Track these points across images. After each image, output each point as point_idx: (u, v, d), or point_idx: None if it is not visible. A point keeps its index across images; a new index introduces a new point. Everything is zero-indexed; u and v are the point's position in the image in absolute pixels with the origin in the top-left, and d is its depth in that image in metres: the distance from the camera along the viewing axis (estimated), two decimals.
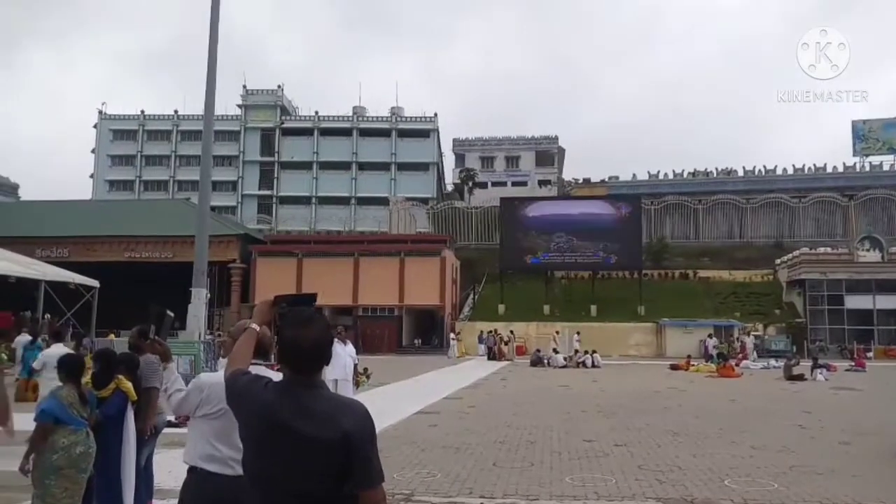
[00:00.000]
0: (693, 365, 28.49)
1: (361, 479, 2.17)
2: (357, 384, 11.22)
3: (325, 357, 2.33)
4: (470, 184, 70.05)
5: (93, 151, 74.66)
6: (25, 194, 69.89)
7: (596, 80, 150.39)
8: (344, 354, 10.71)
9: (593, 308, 43.59)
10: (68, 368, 5.45)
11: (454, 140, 78.54)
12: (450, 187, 78.00)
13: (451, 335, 38.93)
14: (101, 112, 74.68)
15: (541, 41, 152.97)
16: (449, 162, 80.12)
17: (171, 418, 5.85)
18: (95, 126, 74.57)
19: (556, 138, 76.21)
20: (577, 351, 32.01)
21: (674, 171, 68.32)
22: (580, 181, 72.31)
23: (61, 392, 5.10)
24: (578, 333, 36.24)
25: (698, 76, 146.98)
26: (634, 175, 69.46)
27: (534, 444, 10.10)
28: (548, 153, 75.57)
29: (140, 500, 5.65)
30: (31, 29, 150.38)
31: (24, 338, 18.07)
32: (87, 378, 5.58)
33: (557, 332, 36.15)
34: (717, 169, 68.00)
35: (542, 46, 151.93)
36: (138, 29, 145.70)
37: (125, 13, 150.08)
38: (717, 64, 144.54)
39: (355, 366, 11.00)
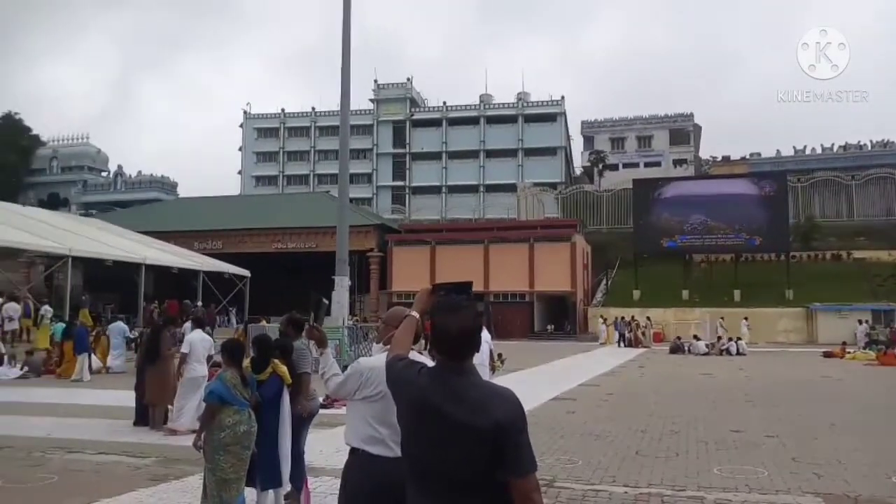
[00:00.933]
0: (849, 352, 26.45)
1: (513, 467, 2.17)
2: (493, 369, 11.32)
3: (474, 344, 2.37)
4: (600, 166, 68.46)
5: (240, 149, 79.70)
6: (183, 191, 75.74)
7: (737, 55, 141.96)
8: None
9: (736, 293, 41.41)
10: (230, 353, 5.83)
11: (582, 122, 77.00)
12: (578, 171, 76.59)
13: (601, 321, 38.06)
14: (245, 112, 79.52)
15: (677, 18, 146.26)
16: (577, 145, 78.77)
17: (322, 400, 6.14)
18: (241, 126, 79.51)
19: (692, 115, 72.85)
20: (719, 338, 30.57)
21: (822, 146, 63.30)
22: (718, 159, 68.75)
23: (226, 375, 5.48)
24: (746, 319, 34.55)
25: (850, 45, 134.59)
26: (778, 151, 65.09)
27: (677, 434, 9.78)
28: (682, 131, 72.42)
29: (298, 477, 6.02)
30: (189, 36, 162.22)
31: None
32: (246, 362, 5.99)
33: (723, 318, 34.40)
34: (871, 141, 62.35)
35: (677, 24, 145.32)
36: (280, 31, 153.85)
37: (268, 17, 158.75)
38: (874, 31, 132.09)
39: (491, 351, 11.09)
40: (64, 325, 21.23)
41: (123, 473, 7.49)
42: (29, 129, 73.57)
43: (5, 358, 18.12)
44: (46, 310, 23.30)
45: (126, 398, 11.43)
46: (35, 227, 27.46)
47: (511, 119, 71.75)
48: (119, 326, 19.61)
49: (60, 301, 26.66)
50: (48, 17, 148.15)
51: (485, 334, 11.51)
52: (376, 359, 3.43)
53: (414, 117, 74.11)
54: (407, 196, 72.99)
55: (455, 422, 2.22)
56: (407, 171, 73.61)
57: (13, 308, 22.59)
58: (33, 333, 22.62)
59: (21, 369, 17.55)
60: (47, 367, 18.05)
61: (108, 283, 33.20)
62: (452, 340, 2.34)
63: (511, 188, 66.00)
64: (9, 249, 26.78)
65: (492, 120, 72.41)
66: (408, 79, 75.78)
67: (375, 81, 75.55)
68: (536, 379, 18.14)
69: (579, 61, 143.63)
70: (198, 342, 10.07)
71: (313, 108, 77.33)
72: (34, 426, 10.09)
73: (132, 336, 20.70)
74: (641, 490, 6.70)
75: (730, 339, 29.53)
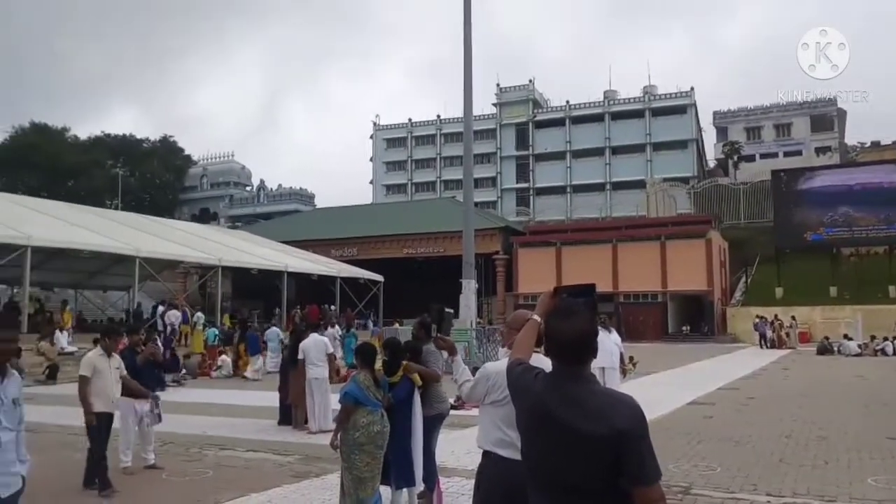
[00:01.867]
0: None
1: (636, 476, 2.13)
2: (624, 373, 11.06)
3: (589, 349, 2.33)
4: (735, 158, 65.01)
5: (371, 160, 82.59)
6: (320, 202, 79.39)
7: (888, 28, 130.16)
8: (609, 342, 10.64)
9: (892, 289, 38.02)
10: (363, 355, 6.09)
11: (714, 113, 73.46)
12: (712, 164, 73.12)
13: (757, 319, 35.39)
14: (375, 124, 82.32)
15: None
16: (709, 137, 75.20)
17: (453, 401, 6.29)
18: (371, 137, 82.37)
19: (835, 100, 67.52)
20: (873, 337, 28.20)
21: None
22: (867, 145, 63.34)
23: (359, 376, 5.73)
24: None
25: None
26: None
27: (826, 440, 9.17)
28: (825, 117, 67.36)
29: (430, 477, 6.19)
30: (326, 52, 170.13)
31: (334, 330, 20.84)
32: (378, 365, 6.24)
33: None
34: None
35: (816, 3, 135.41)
36: (408, 43, 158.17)
37: (398, 30, 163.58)
38: None
39: (621, 354, 10.85)
40: (216, 330, 22.92)
41: (270, 470, 8.01)
42: (182, 150, 79.93)
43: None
44: (199, 316, 25.22)
45: (271, 399, 12.20)
46: (189, 241, 29.84)
47: (637, 114, 69.70)
48: (274, 331, 20.91)
49: (213, 308, 28.84)
50: (199, 44, 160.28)
51: (615, 336, 11.33)
52: (502, 363, 3.40)
53: (537, 118, 73.71)
54: (531, 197, 72.69)
55: (572, 429, 2.20)
56: (530, 173, 73.32)
57: (174, 315, 24.64)
58: (190, 339, 24.59)
59: (181, 372, 19.13)
60: (202, 370, 19.55)
61: (254, 290, 35.50)
62: (567, 345, 2.32)
63: (639, 185, 64.08)
64: (169, 261, 29.27)
65: (617, 116, 70.65)
66: (530, 80, 75.56)
67: (498, 85, 75.91)
68: (671, 382, 17.53)
69: (709, 51, 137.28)
70: (311, 346, 10.57)
71: (438, 116, 78.81)
72: (191, 424, 10.97)
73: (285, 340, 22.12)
74: (786, 499, 6.36)
75: (885, 339, 27.19)
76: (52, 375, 17.52)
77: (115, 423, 7.52)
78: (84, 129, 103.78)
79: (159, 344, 15.97)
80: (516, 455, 3.08)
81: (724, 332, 39.52)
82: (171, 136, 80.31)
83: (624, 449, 2.12)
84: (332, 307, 31.52)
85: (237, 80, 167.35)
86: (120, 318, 27.22)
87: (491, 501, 3.28)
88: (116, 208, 52.52)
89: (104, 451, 7.07)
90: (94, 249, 24.43)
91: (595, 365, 8.65)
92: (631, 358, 17.39)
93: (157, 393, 8.43)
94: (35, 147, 64.91)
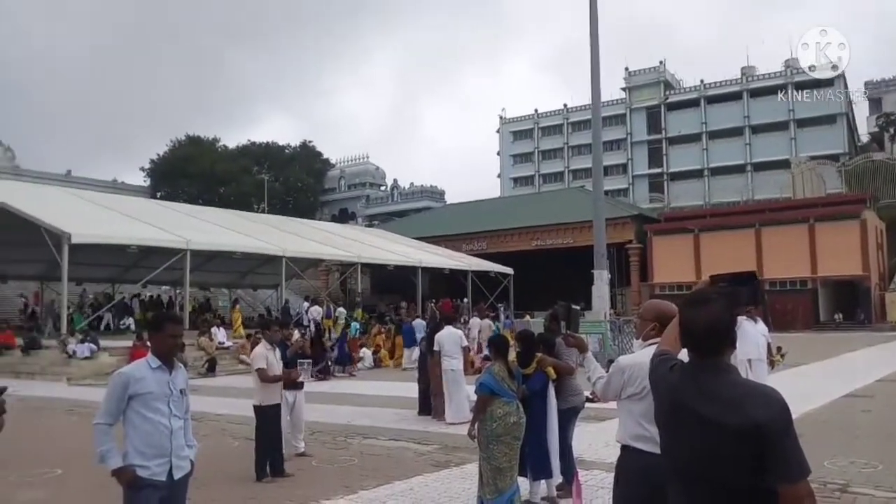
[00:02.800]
0: None
1: (779, 473, 2.04)
2: (772, 364, 10.48)
3: (724, 339, 2.24)
4: (891, 131, 59.35)
5: (497, 154, 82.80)
6: (450, 198, 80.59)
7: None
8: (755, 332, 10.12)
9: None
10: (497, 347, 6.19)
11: (866, 83, 67.43)
12: (864, 138, 67.20)
13: None
14: (501, 117, 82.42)
15: None
16: (861, 110, 69.17)
17: (588, 394, 6.27)
18: (498, 131, 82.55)
19: None
20: None
21: None
22: None
23: (494, 368, 5.83)
24: None
25: None
26: None
27: None
28: None
29: (568, 469, 6.21)
30: (456, 49, 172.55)
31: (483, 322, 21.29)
32: (512, 356, 6.31)
33: None
34: None
35: None
36: (533, 35, 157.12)
37: (523, 22, 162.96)
38: None
39: (769, 344, 10.29)
40: (358, 324, 23.98)
41: (411, 459, 8.31)
42: (321, 154, 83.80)
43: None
44: (340, 311, 26.47)
45: (410, 389, 12.62)
46: (330, 240, 31.38)
47: (778, 90, 65.23)
48: (419, 323, 21.62)
49: (353, 303, 30.17)
50: (337, 50, 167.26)
51: (761, 326, 10.76)
52: (637, 355, 3.39)
53: (669, 100, 70.86)
54: (665, 183, 70.01)
55: (708, 421, 2.13)
56: (664, 157, 70.61)
57: (316, 311, 25.99)
58: (333, 332, 25.83)
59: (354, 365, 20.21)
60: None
61: (391, 285, 36.74)
62: (700, 335, 2.24)
63: (783, 164, 60.04)
64: (312, 260, 30.94)
65: (756, 93, 66.49)
66: (660, 62, 72.74)
67: (626, 69, 73.68)
68: (824, 374, 16.42)
69: (858, 16, 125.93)
70: (446, 338, 10.77)
71: (565, 105, 77.69)
72: (337, 414, 11.58)
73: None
74: None
75: None
76: (211, 368, 19.00)
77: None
78: (232, 139, 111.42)
79: (305, 337, 17.03)
80: (655, 449, 3.00)
81: (882, 320, 36.33)
82: (310, 142, 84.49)
83: (765, 443, 2.04)
84: (465, 300, 32.03)
85: (371, 83, 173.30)
86: (265, 315, 29.10)
87: (631, 496, 3.24)
88: (263, 211, 56.04)
89: (277, 440, 7.58)
90: (245, 251, 26.25)
91: (741, 356, 8.30)
92: (779, 348, 16.40)
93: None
94: (191, 158, 70.56)
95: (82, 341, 19.14)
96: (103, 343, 19.76)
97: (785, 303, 37.11)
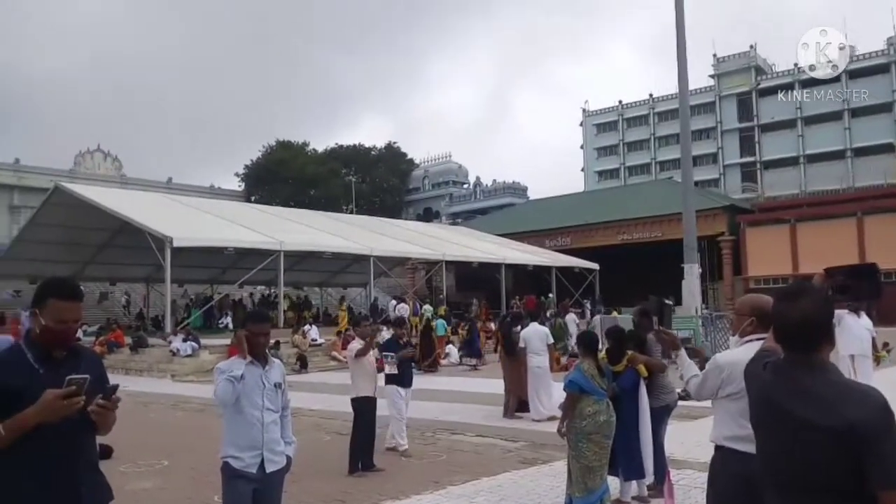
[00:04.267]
0: None
1: (879, 478, 1.92)
2: (877, 360, 9.91)
3: (819, 334, 2.13)
4: None
5: (581, 147, 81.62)
6: (532, 194, 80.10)
7: None
8: (859, 327, 9.61)
9: None
10: (586, 344, 6.12)
11: None
12: None
13: None
14: (584, 110, 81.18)
15: None
16: None
17: (680, 392, 6.12)
18: (581, 124, 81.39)
19: None
20: None
21: None
22: None
23: (583, 365, 5.77)
24: None
25: None
26: None
27: None
28: None
29: (660, 469, 6.07)
30: (542, 42, 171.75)
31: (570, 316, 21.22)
32: (602, 354, 6.23)
33: None
34: None
35: None
36: (619, 23, 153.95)
37: (601, 16, 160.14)
38: None
39: (873, 339, 9.74)
40: (444, 321, 24.20)
41: (498, 455, 8.35)
42: (405, 155, 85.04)
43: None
44: (427, 309, 26.77)
45: (496, 386, 12.64)
46: (416, 238, 31.82)
47: (881, 69, 61.28)
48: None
49: (438, 300, 30.47)
50: (421, 49, 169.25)
51: (865, 321, 10.21)
52: (735, 353, 3.26)
53: (760, 86, 67.82)
54: (758, 172, 67.04)
55: (800, 422, 2.04)
56: (756, 145, 67.63)
57: (403, 308, 26.41)
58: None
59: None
60: (433, 359, 20.74)
61: (475, 282, 36.83)
62: (793, 330, 2.14)
63: (887, 149, 56.36)
64: (399, 258, 31.49)
65: (855, 74, 62.57)
66: (751, 46, 69.71)
67: (714, 55, 71.00)
68: None
69: None
70: (532, 335, 10.71)
71: (651, 95, 75.73)
72: (425, 409, 11.72)
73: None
74: None
75: None
76: (303, 365, 19.61)
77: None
78: (321, 142, 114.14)
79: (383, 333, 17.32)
80: (750, 448, 2.92)
81: None
82: (395, 143, 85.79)
83: (862, 446, 1.92)
84: (549, 296, 31.82)
85: (455, 82, 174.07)
86: (358, 312, 29.78)
87: (725, 498, 3.14)
88: (351, 212, 57.30)
89: (371, 434, 7.81)
90: (335, 251, 26.96)
91: (843, 352, 7.87)
92: (885, 344, 15.51)
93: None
94: (283, 162, 73.04)
95: (184, 340, 20.15)
96: (204, 342, 20.73)
97: (891, 296, 34.83)
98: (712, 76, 71.00)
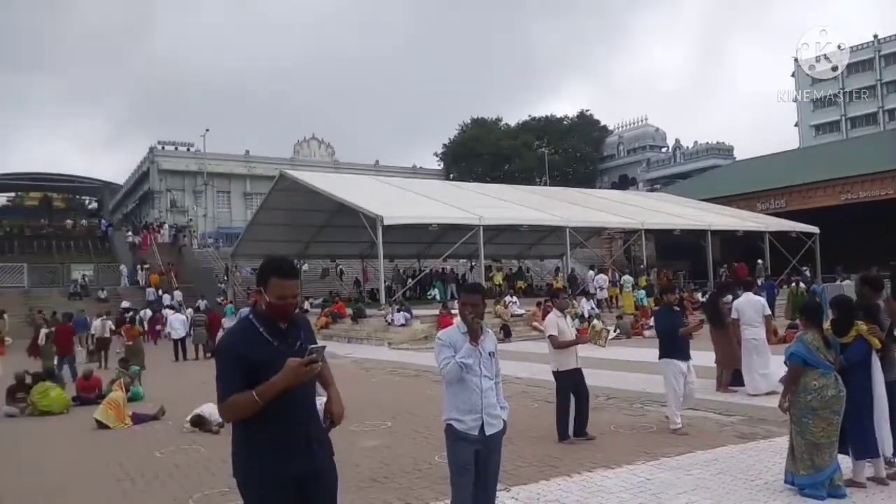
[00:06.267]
0: None
1: None
2: None
3: None
4: None
5: (794, 100, 74.49)
6: (739, 154, 74.69)
7: None
8: None
9: None
10: (809, 314, 5.83)
11: None
12: None
13: None
14: (795, 59, 73.87)
15: None
16: None
17: None
18: (793, 74, 74.25)
19: None
20: None
21: None
22: None
23: (806, 336, 5.50)
24: None
25: None
26: None
27: None
28: None
29: None
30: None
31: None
32: (827, 325, 5.87)
33: None
34: None
35: None
36: None
37: None
38: None
39: None
40: (645, 291, 23.67)
41: (712, 429, 8.14)
42: (598, 122, 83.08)
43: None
44: (627, 279, 26.28)
45: (707, 358, 12.20)
46: (612, 207, 31.23)
47: None
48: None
49: (638, 270, 29.75)
50: (615, 26, 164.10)
51: None
52: None
53: None
54: None
55: None
56: None
57: (602, 279, 26.15)
58: (620, 300, 25.78)
59: (614, 331, 20.26)
60: (635, 330, 20.40)
61: (678, 250, 35.32)
62: None
63: None
64: (595, 228, 31.15)
65: None
66: None
67: None
68: None
69: None
70: (744, 305, 10.12)
71: (875, 37, 67.12)
72: (628, 381, 11.66)
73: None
74: None
75: None
76: (507, 334, 20.21)
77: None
78: (513, 116, 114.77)
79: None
80: None
81: None
82: (587, 111, 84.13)
83: None
84: (759, 262, 29.80)
85: (655, 41, 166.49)
86: (547, 284, 30.03)
87: None
88: (545, 184, 57.33)
89: (581, 404, 7.86)
90: (531, 223, 27.29)
91: None
92: None
93: None
94: (477, 138, 74.80)
95: (398, 310, 21.60)
96: (415, 312, 22.09)
97: None
98: None
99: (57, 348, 16.32)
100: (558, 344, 7.85)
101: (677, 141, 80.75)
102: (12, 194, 57.34)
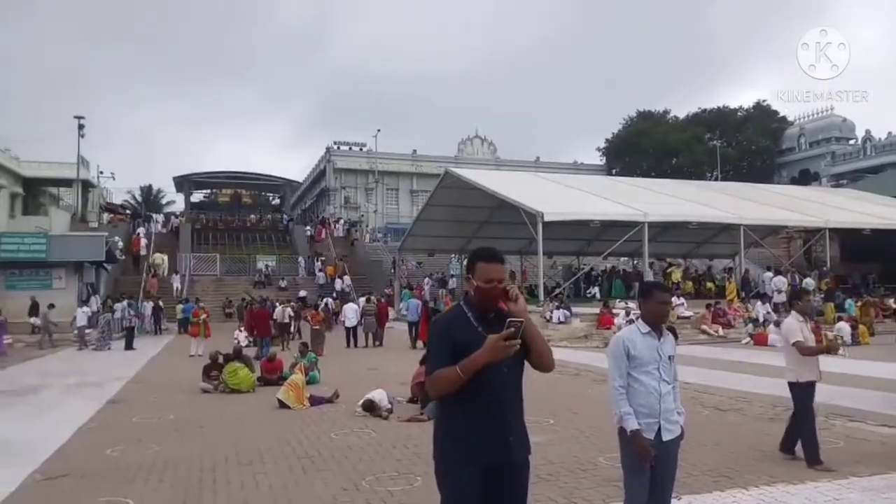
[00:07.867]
0: None
1: None
2: None
3: None
4: None
5: None
6: None
7: None
8: None
9: None
10: None
11: None
12: None
13: None
14: None
15: None
16: None
17: None
18: None
19: None
20: None
21: None
22: None
23: None
24: None
25: None
26: None
27: None
28: None
29: None
30: None
31: None
32: None
33: None
34: None
35: None
36: None
37: None
38: None
39: None
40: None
41: None
42: (777, 113, 77.30)
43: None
44: (808, 282, 24.33)
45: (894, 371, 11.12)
46: (791, 204, 29.08)
47: None
48: None
49: (820, 273, 27.45)
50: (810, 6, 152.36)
51: None
52: None
53: None
54: None
55: None
56: None
57: (781, 281, 24.43)
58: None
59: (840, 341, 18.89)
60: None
61: (866, 252, 32.21)
62: None
63: None
64: (772, 227, 29.17)
65: None
66: None
67: None
68: None
69: None
70: None
71: None
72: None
73: None
74: None
75: None
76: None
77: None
78: (682, 109, 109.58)
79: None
80: None
81: None
82: (764, 101, 78.63)
83: None
84: None
85: (854, 20, 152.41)
86: (720, 286, 28.42)
87: None
88: (716, 179, 54.40)
89: (812, 422, 6.93)
90: (700, 220, 26.05)
91: None
92: None
93: None
94: (643, 132, 72.38)
95: (558, 307, 21.51)
96: (575, 310, 21.89)
97: None
98: None
99: (257, 330, 18.81)
100: (808, 351, 6.91)
101: (868, 132, 73.33)
102: (209, 191, 63.36)
